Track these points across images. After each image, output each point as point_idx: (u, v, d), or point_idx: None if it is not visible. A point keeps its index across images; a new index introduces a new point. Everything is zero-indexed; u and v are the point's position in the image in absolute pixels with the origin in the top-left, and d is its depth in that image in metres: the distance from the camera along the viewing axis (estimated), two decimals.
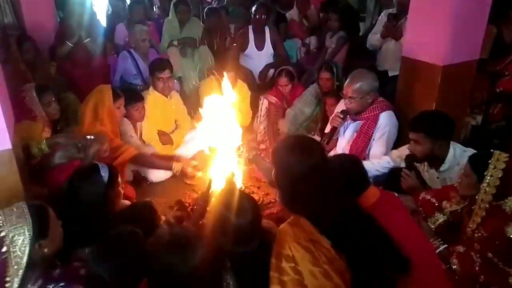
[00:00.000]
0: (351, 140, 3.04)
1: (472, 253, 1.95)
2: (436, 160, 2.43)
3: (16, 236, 1.57)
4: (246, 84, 4.13)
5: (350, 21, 5.25)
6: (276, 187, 1.81)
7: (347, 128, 3.05)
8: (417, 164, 2.55)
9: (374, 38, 4.18)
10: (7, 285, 1.52)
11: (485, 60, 3.41)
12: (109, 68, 4.23)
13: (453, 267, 2.01)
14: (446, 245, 2.11)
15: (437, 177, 2.47)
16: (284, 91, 3.92)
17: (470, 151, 2.38)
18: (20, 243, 1.57)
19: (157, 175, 3.38)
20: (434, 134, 2.34)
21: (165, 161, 3.37)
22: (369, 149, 2.96)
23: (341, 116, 2.87)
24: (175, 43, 4.50)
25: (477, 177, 1.91)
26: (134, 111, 3.34)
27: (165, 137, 3.65)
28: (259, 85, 4.50)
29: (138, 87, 4.00)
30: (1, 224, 1.57)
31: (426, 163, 2.54)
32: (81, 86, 3.88)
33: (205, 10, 4.94)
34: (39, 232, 1.61)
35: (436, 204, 2.19)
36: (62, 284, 1.55)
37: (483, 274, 1.91)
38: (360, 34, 5.66)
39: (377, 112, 2.90)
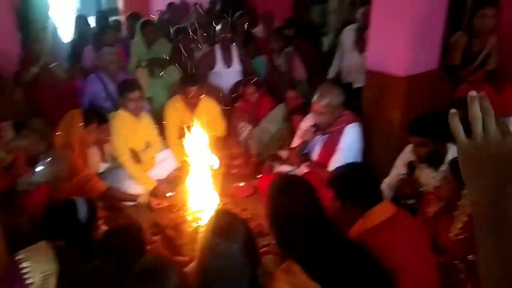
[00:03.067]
0: (319, 153, 3.13)
1: (456, 262, 2.02)
2: (435, 161, 2.51)
3: (44, 284, 1.52)
4: (212, 99, 4.14)
5: (312, 37, 5.42)
6: (269, 229, 1.80)
7: (316, 142, 3.13)
8: None
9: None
10: None
11: (456, 66, 3.58)
12: (77, 92, 4.18)
13: None
14: None
15: (433, 177, 2.55)
16: (251, 99, 4.00)
17: None
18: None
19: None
20: (436, 135, 2.42)
21: (131, 196, 3.33)
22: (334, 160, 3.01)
23: (312, 130, 2.94)
24: (143, 63, 4.50)
25: (458, 182, 1.98)
26: (101, 133, 3.27)
27: (135, 157, 3.61)
28: (230, 100, 4.55)
29: (108, 110, 3.96)
30: (29, 270, 1.53)
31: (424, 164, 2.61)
32: (49, 112, 3.83)
33: (174, 29, 4.97)
34: (65, 279, 1.57)
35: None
36: None
37: (470, 281, 1.97)
38: (324, 49, 5.85)
39: (344, 125, 3.00)
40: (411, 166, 2.65)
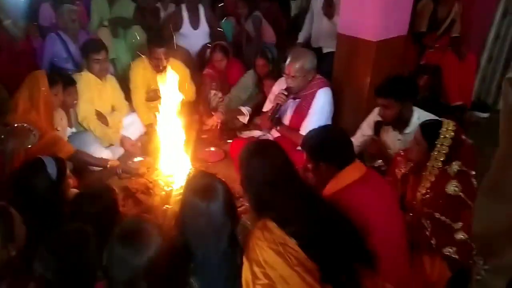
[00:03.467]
0: (290, 117, 3.15)
1: (422, 220, 2.12)
2: (401, 123, 2.59)
3: None
4: (181, 62, 4.02)
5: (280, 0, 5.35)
6: (244, 193, 1.79)
7: (288, 106, 3.14)
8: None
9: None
10: None
11: (422, 33, 3.65)
12: (34, 52, 3.95)
13: None
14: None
15: (398, 139, 2.64)
16: (219, 67, 3.93)
17: (432, 116, 2.54)
18: None
19: None
20: (402, 96, 2.48)
21: (100, 159, 3.21)
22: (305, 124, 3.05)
23: (285, 93, 2.94)
24: (105, 23, 4.29)
25: (428, 144, 2.06)
26: (66, 96, 3.14)
27: (101, 119, 3.50)
28: (198, 63, 4.45)
29: (70, 72, 3.77)
30: None
31: (389, 127, 2.68)
32: (4, 72, 3.60)
33: None
34: (6, 237, 1.52)
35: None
36: None
37: (434, 236, 2.07)
38: (292, 14, 5.80)
39: (315, 89, 3.02)
40: (377, 126, 2.72)
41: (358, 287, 1.64)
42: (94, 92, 3.42)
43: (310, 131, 2.14)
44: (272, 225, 1.61)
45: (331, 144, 1.93)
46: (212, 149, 3.62)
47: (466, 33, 3.92)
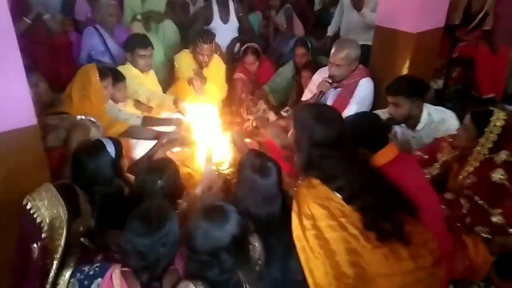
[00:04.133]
0: (331, 105, 3.20)
1: (460, 199, 2.20)
2: (412, 121, 2.64)
3: (53, 219, 1.54)
4: (220, 58, 4.11)
5: None
6: (294, 149, 1.88)
7: (329, 95, 3.19)
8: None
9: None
10: (46, 267, 1.50)
11: (455, 26, 3.69)
12: (71, 45, 4.02)
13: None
14: None
15: (413, 137, 2.70)
16: (251, 69, 4.00)
17: (441, 109, 2.63)
18: (58, 226, 1.54)
19: (142, 152, 3.32)
20: (412, 95, 2.54)
21: (155, 132, 3.23)
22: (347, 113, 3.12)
23: (330, 81, 3.00)
24: (139, 17, 4.35)
25: (477, 131, 2.12)
26: (116, 91, 3.20)
27: (145, 108, 3.56)
28: (227, 58, 4.52)
29: (107, 64, 3.85)
30: (35, 210, 1.53)
31: (402, 125, 2.74)
32: (43, 66, 3.68)
33: None
34: (73, 212, 1.59)
35: (427, 158, 2.41)
36: (97, 264, 1.54)
37: (470, 215, 2.16)
38: (315, 7, 5.84)
39: (358, 79, 3.08)
40: (389, 123, 2.76)
41: (401, 234, 1.69)
42: (136, 85, 3.48)
43: (347, 118, 2.20)
44: (316, 182, 1.74)
45: (366, 131, 2.00)
46: (247, 140, 3.68)
47: (497, 27, 3.95)
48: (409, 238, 1.69)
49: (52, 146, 2.41)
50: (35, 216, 1.53)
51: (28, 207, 1.54)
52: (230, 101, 4.20)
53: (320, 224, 1.67)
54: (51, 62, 3.86)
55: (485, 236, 2.13)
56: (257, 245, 1.71)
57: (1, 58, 1.73)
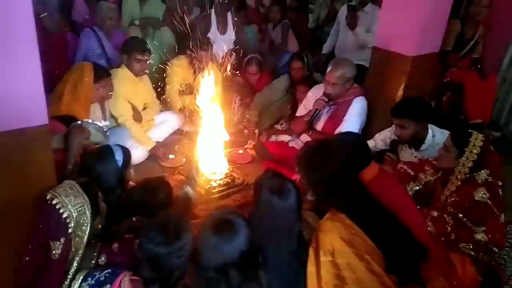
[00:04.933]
0: (324, 123, 3.25)
1: (445, 216, 2.25)
2: (417, 141, 2.71)
3: (79, 216, 1.53)
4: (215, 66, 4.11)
5: (300, 7, 5.47)
6: (309, 188, 1.92)
7: (322, 112, 3.24)
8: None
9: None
10: (68, 263, 1.48)
11: (447, 51, 3.81)
12: (67, 45, 3.98)
13: (428, 228, 2.27)
14: None
15: (415, 156, 2.76)
16: (251, 80, 4.02)
17: (446, 132, 2.70)
18: (82, 222, 1.54)
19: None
20: (417, 117, 2.61)
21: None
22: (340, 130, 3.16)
23: (326, 99, 3.05)
24: (137, 22, 4.35)
25: (458, 151, 2.19)
26: (100, 87, 3.12)
27: (135, 114, 3.53)
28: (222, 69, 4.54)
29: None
30: (62, 206, 1.51)
31: (405, 146, 2.81)
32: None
33: None
34: (95, 209, 1.58)
35: (412, 175, 2.48)
36: (108, 270, 1.53)
37: (454, 232, 2.22)
38: (309, 25, 5.92)
39: (352, 97, 3.14)
40: (393, 145, 2.85)
41: (420, 280, 1.74)
42: (129, 88, 3.46)
43: (331, 140, 2.25)
44: (342, 215, 1.73)
45: (351, 152, 2.02)
46: (240, 151, 3.70)
47: (485, 55, 4.10)
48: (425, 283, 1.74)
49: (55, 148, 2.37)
50: (61, 211, 1.53)
51: (54, 202, 1.53)
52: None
53: (339, 262, 1.65)
54: (46, 61, 3.79)
55: (468, 253, 2.17)
56: (262, 278, 1.64)
57: (19, 57, 1.71)
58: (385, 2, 3.18)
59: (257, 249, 1.62)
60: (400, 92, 3.19)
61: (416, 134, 2.67)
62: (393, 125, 2.87)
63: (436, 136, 2.69)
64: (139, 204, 2.08)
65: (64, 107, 2.80)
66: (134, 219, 1.90)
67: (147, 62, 3.46)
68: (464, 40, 3.89)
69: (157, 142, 3.54)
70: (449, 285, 2.14)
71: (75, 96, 2.86)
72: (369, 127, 3.34)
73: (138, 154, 3.33)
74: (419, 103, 2.70)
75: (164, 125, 3.71)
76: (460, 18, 3.92)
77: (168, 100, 3.86)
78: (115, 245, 1.63)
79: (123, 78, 3.39)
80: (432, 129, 2.71)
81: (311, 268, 1.67)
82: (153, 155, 3.46)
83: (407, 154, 2.84)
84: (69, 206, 1.54)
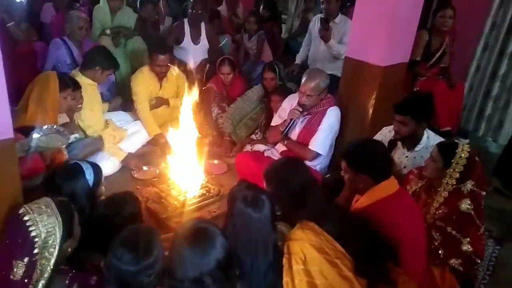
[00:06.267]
0: (299, 132, 3.27)
1: (432, 232, 2.27)
2: (412, 141, 2.74)
3: (48, 236, 1.47)
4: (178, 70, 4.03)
5: (273, 17, 5.53)
6: (276, 201, 1.89)
7: (297, 122, 3.25)
8: None
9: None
10: (32, 286, 1.41)
11: (416, 61, 3.91)
12: (36, 55, 3.88)
13: None
14: None
15: (406, 156, 2.80)
16: (225, 80, 4.03)
17: (438, 136, 2.75)
18: (50, 244, 1.47)
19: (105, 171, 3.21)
20: (419, 117, 2.64)
21: None
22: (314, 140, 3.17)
23: (300, 109, 3.07)
24: (108, 31, 4.30)
25: (444, 163, 2.22)
26: (67, 96, 3.01)
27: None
28: (197, 78, 4.51)
29: None
30: (32, 223, 1.45)
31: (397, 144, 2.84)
32: (6, 75, 3.51)
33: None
34: (68, 232, 1.53)
35: None
36: None
37: (443, 248, 2.24)
38: (282, 35, 5.98)
39: (326, 107, 3.17)
40: (391, 146, 2.87)
41: (389, 282, 1.76)
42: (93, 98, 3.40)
43: (352, 142, 2.26)
44: (312, 224, 1.75)
45: (375, 158, 2.04)
46: (215, 161, 3.67)
47: (451, 64, 4.23)
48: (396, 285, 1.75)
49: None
50: (30, 229, 1.46)
51: (25, 218, 1.46)
52: (199, 110, 4.16)
53: (311, 269, 1.66)
54: (14, 71, 3.68)
55: (457, 268, 2.21)
56: None
57: None
58: (356, 13, 3.23)
59: (234, 261, 1.60)
60: (372, 101, 3.23)
61: (414, 133, 2.70)
62: (383, 128, 2.94)
63: (430, 138, 2.73)
64: (106, 218, 2.01)
65: (29, 118, 2.71)
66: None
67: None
68: (432, 50, 4.00)
69: (129, 153, 3.48)
70: None
71: (41, 106, 2.78)
72: (342, 136, 3.38)
73: (110, 166, 3.26)
74: (422, 102, 2.73)
75: (136, 136, 3.64)
76: (427, 29, 4.03)
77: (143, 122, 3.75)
78: (94, 278, 1.56)
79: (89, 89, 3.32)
80: (427, 131, 2.75)
81: (286, 278, 1.67)
82: (125, 167, 3.40)
83: (398, 153, 2.87)
84: (40, 225, 1.48)
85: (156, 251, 1.45)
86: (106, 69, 3.33)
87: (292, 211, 1.91)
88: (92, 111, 3.36)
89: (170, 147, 3.29)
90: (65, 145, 2.46)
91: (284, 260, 1.69)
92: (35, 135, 2.17)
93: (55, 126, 2.41)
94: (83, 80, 3.25)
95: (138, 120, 3.74)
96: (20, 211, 1.51)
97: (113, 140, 3.40)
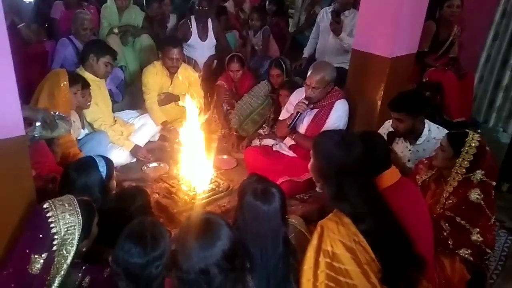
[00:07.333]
0: (307, 126, 3.28)
1: (441, 223, 2.26)
2: (413, 135, 2.75)
3: (67, 235, 1.51)
4: (189, 67, 4.10)
5: (280, 12, 5.53)
6: (319, 180, 1.86)
7: (305, 115, 3.26)
8: None
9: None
10: (47, 282, 1.44)
11: (425, 52, 3.88)
12: (47, 55, 3.94)
13: None
14: None
15: (409, 150, 2.81)
16: (234, 77, 4.04)
17: (441, 128, 2.75)
18: (68, 242, 1.50)
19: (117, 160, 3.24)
20: (415, 111, 2.66)
21: None
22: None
23: (306, 102, 3.07)
24: (116, 30, 4.34)
25: (454, 152, 2.21)
26: (80, 98, 3.11)
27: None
28: (204, 74, 4.54)
29: None
30: (54, 220, 1.48)
31: (400, 138, 2.84)
32: (17, 76, 3.57)
33: None
34: (86, 232, 1.56)
35: None
36: None
37: (452, 238, 2.22)
38: (289, 29, 5.97)
39: (333, 100, 3.17)
40: (390, 138, 2.88)
41: None
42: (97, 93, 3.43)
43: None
44: (348, 220, 1.68)
45: (372, 151, 1.99)
46: (224, 157, 3.70)
47: (460, 54, 4.19)
48: None
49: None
50: (51, 225, 1.50)
51: (48, 214, 1.49)
52: (210, 108, 4.20)
53: (337, 266, 1.63)
54: (26, 71, 3.76)
55: (467, 257, 2.19)
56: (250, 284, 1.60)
57: None
58: (362, 5, 3.22)
59: (242, 253, 1.60)
60: (380, 93, 3.23)
61: (413, 128, 2.71)
62: (386, 122, 2.94)
63: (432, 130, 2.73)
64: (116, 212, 2.04)
65: None
66: None
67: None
68: (440, 41, 3.97)
69: (136, 145, 3.54)
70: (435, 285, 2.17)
71: (53, 103, 2.82)
72: (350, 129, 3.37)
73: (121, 155, 3.35)
74: (416, 97, 2.76)
75: (144, 128, 3.70)
76: (435, 19, 4.00)
77: (150, 112, 3.81)
78: (107, 270, 1.58)
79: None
80: (428, 124, 2.76)
81: (308, 265, 1.65)
82: (137, 164, 3.45)
83: (401, 147, 2.87)
84: (61, 223, 1.51)
85: (163, 243, 1.47)
86: (100, 56, 3.33)
87: (333, 198, 1.77)
88: (97, 106, 3.41)
89: (178, 133, 3.32)
90: (68, 132, 2.47)
91: (310, 247, 1.67)
92: (38, 123, 2.20)
93: (57, 113, 2.43)
94: (86, 76, 3.30)
95: (144, 114, 3.80)
96: (45, 206, 1.54)
97: (121, 134, 3.48)
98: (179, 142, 3.18)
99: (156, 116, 3.75)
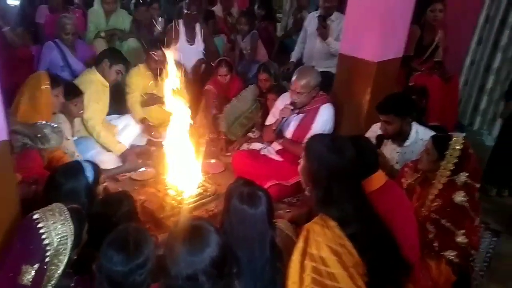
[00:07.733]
0: (293, 131, 3.29)
1: (427, 225, 2.28)
2: (401, 137, 2.79)
3: (59, 245, 1.48)
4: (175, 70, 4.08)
5: (268, 16, 5.55)
6: (308, 183, 1.84)
7: (291, 120, 3.27)
8: None
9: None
10: None
11: (410, 57, 3.92)
12: (33, 59, 3.90)
13: None
14: None
15: (397, 152, 2.84)
16: (223, 81, 4.05)
17: (428, 130, 2.79)
18: (61, 252, 1.48)
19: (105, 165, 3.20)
20: (402, 113, 2.70)
21: None
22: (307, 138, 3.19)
23: (291, 107, 3.08)
24: (102, 34, 4.32)
25: (438, 155, 2.24)
26: (72, 106, 3.15)
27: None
28: (192, 78, 4.53)
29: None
30: (46, 231, 1.46)
31: (388, 140, 2.87)
32: (3, 80, 3.53)
33: (134, 1, 4.81)
34: (77, 241, 1.54)
35: None
36: None
37: (437, 240, 2.25)
38: (277, 33, 5.99)
39: (319, 105, 3.19)
40: (379, 141, 2.91)
41: None
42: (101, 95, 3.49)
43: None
44: (333, 224, 1.68)
45: (362, 154, 1.99)
46: (212, 161, 3.69)
47: (445, 58, 4.24)
48: None
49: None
50: (43, 236, 1.47)
51: (39, 225, 1.47)
52: (198, 112, 4.18)
53: (323, 269, 1.63)
54: (12, 75, 3.71)
55: (452, 259, 2.21)
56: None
57: None
58: (348, 10, 3.25)
59: (230, 259, 1.60)
60: (366, 97, 3.25)
61: (401, 130, 2.75)
62: (373, 125, 2.96)
63: (419, 132, 2.77)
64: (102, 218, 2.02)
65: (20, 118, 2.72)
66: None
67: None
68: (424, 45, 4.02)
69: (127, 149, 3.55)
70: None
71: (34, 105, 2.80)
72: (337, 133, 3.38)
73: (109, 160, 3.34)
74: (403, 99, 2.83)
75: (127, 130, 3.72)
76: (420, 24, 4.04)
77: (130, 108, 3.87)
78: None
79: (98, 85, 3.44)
80: (415, 125, 2.80)
81: (294, 269, 1.65)
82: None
83: (389, 149, 2.90)
84: (53, 233, 1.49)
85: (147, 249, 1.45)
86: (113, 63, 3.46)
87: (320, 203, 1.76)
88: (98, 104, 3.44)
89: (156, 129, 3.48)
90: (59, 144, 2.46)
91: (296, 251, 1.67)
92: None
93: (51, 124, 2.42)
94: (96, 77, 3.45)
95: (125, 115, 3.83)
96: (35, 217, 1.51)
97: (110, 134, 3.51)
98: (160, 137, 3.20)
99: (136, 113, 3.80)
